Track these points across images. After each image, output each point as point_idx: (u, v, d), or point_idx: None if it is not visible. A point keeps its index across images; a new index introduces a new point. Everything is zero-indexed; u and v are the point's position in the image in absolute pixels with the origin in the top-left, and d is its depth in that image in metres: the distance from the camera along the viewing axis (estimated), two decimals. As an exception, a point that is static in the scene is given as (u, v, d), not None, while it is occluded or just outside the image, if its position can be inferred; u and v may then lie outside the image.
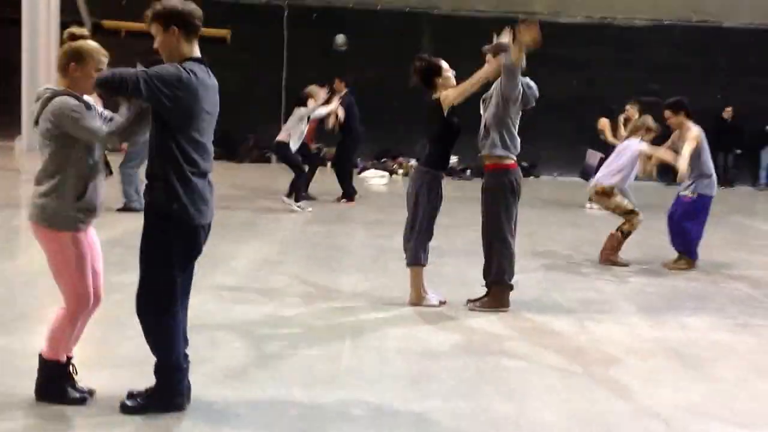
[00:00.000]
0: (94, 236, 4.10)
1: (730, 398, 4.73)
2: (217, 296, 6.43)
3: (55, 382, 4.04)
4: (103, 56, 3.94)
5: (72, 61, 3.89)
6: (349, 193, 13.02)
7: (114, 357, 4.87)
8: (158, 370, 4.01)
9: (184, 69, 3.78)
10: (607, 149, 12.18)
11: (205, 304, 5.97)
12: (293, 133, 11.73)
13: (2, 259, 7.68)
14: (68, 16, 18.36)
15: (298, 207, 11.54)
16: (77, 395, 4.07)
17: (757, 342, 6.01)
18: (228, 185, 14.00)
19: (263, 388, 4.51)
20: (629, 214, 8.71)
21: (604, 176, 8.83)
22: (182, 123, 3.80)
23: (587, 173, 13.19)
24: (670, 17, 20.03)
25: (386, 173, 17.96)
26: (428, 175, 6.34)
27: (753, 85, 19.44)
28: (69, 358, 4.10)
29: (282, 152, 11.96)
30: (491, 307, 6.43)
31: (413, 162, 20.19)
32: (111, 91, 3.77)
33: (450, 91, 6.29)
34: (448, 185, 6.67)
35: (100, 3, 19.41)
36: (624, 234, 8.70)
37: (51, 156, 3.85)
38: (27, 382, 4.11)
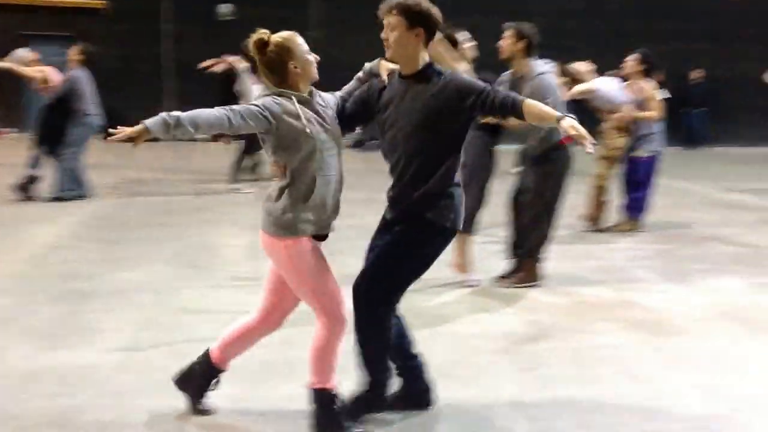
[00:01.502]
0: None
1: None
2: (228, 285, 6.12)
3: (336, 416, 3.58)
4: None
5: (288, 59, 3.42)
6: None
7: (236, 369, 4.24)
8: (368, 367, 3.69)
9: None
10: None
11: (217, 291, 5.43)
12: None
13: None
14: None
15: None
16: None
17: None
18: (145, 168, 13.13)
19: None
20: (614, 162, 8.63)
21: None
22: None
23: None
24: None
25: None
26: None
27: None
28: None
29: None
30: (527, 281, 6.29)
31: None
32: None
33: None
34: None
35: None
36: (599, 190, 8.64)
37: None
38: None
